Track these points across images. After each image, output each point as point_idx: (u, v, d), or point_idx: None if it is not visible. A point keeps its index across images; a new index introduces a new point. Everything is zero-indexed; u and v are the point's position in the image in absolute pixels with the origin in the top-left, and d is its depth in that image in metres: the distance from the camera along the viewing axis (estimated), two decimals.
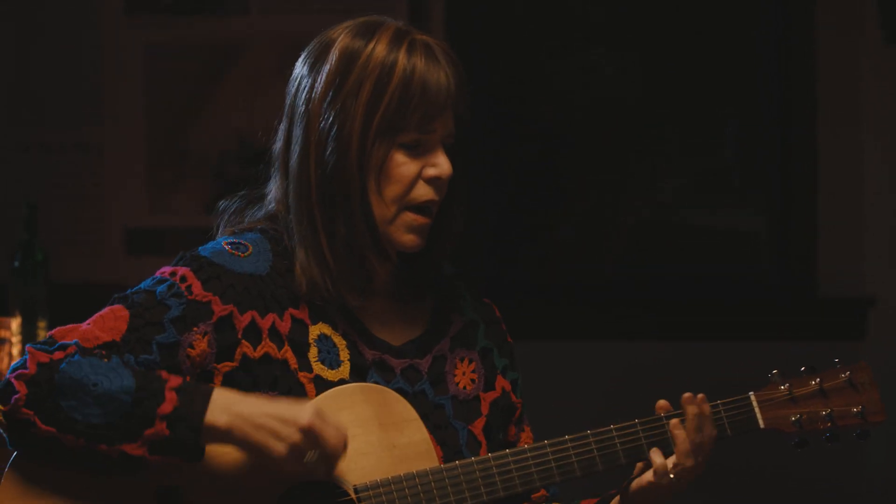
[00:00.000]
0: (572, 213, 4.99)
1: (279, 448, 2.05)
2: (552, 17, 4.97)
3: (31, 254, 3.57)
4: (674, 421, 2.21)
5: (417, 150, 2.20)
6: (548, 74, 5.00)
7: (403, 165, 2.19)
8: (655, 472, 2.20)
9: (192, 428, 2.04)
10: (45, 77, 4.80)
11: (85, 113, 4.81)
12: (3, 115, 4.80)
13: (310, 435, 2.05)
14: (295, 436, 2.04)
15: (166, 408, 2.03)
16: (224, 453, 2.10)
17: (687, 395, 2.22)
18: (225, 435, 2.05)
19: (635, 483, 2.25)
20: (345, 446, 2.08)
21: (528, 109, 5.00)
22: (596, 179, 4.98)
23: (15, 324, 3.51)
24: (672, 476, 2.19)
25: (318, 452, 2.07)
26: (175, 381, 2.06)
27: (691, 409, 2.21)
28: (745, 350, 4.57)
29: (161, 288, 2.15)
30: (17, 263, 3.57)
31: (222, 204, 2.31)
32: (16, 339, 3.51)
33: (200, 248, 2.22)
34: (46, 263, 3.58)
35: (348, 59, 2.19)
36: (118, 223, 4.81)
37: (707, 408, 2.22)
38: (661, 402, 2.25)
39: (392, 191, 2.19)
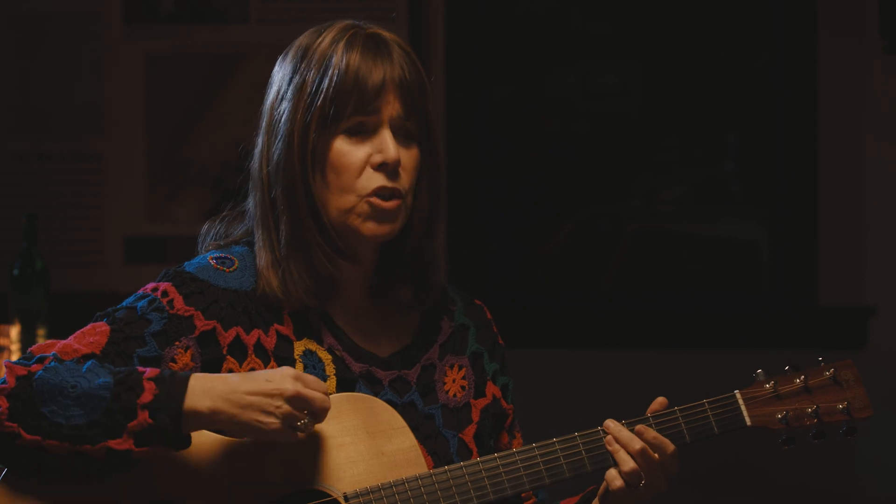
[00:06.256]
0: (572, 223, 4.98)
1: (272, 424, 2.04)
2: (552, 28, 4.98)
3: (31, 263, 3.57)
4: (608, 437, 2.20)
5: (363, 136, 2.18)
6: (548, 84, 5.00)
7: (348, 154, 2.17)
8: (607, 481, 2.21)
9: (172, 415, 2.03)
10: (46, 86, 4.80)
11: (84, 122, 4.81)
12: (4, 124, 4.80)
13: (297, 401, 2.05)
14: (284, 407, 2.04)
15: (146, 397, 2.03)
16: (214, 459, 2.10)
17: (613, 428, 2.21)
18: (210, 419, 2.05)
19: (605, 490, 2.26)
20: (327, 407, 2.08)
21: (529, 119, 5.01)
22: (596, 189, 4.98)
23: (14, 332, 3.52)
24: (624, 480, 2.19)
25: (309, 416, 2.07)
26: (152, 371, 2.05)
27: (612, 425, 2.21)
28: (746, 359, 4.55)
29: (142, 303, 2.16)
30: (16, 272, 3.57)
31: (206, 226, 2.31)
32: (15, 347, 3.52)
33: (186, 263, 2.23)
34: (46, 272, 3.59)
35: (299, 56, 2.21)
36: (117, 232, 4.81)
37: (649, 435, 2.20)
38: (660, 399, 2.25)
39: (340, 181, 2.17)
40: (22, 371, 2.06)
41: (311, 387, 2.06)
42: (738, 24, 4.95)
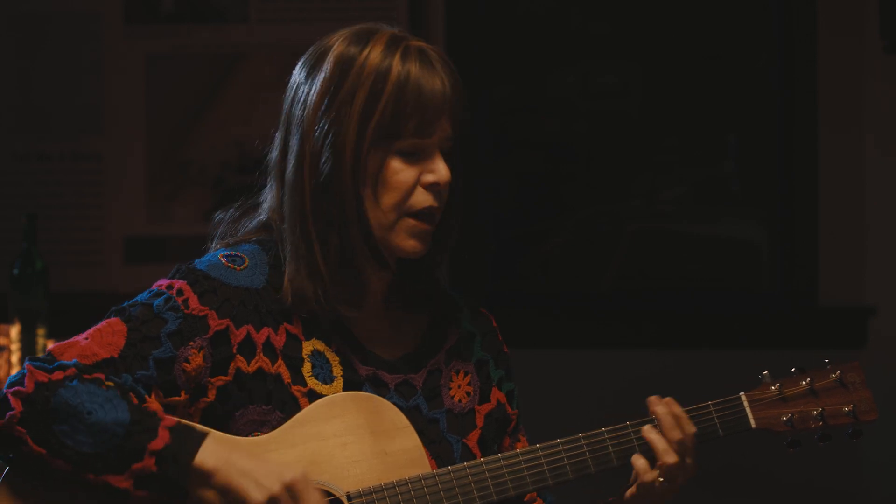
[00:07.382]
0: (572, 223, 4.98)
1: (257, 496, 2.03)
2: (552, 28, 4.98)
3: (31, 263, 3.57)
4: (646, 427, 2.22)
5: (415, 157, 2.18)
6: (548, 84, 5.00)
7: (401, 172, 2.17)
8: (638, 474, 2.21)
9: (180, 467, 2.03)
10: (46, 86, 4.80)
11: (85, 122, 4.81)
12: (4, 124, 4.80)
13: (291, 492, 2.04)
14: (275, 488, 2.03)
15: (157, 444, 2.02)
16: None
17: (652, 398, 2.24)
18: (209, 477, 2.04)
19: (629, 489, 2.25)
20: None
21: (529, 119, 5.01)
22: (596, 189, 4.98)
23: (14, 332, 3.52)
24: (659, 477, 2.19)
25: None
26: (170, 420, 2.05)
27: (661, 410, 2.22)
28: (746, 359, 4.54)
29: (158, 301, 2.15)
30: (16, 272, 3.57)
31: (218, 215, 2.31)
32: (15, 347, 3.51)
33: (197, 260, 2.21)
34: (46, 272, 3.58)
35: (343, 66, 2.17)
36: (117, 232, 4.81)
37: (677, 408, 2.23)
38: (653, 399, 2.25)
39: (390, 198, 2.17)
40: (43, 377, 2.04)
41: (311, 493, 2.05)
42: (738, 24, 4.95)
